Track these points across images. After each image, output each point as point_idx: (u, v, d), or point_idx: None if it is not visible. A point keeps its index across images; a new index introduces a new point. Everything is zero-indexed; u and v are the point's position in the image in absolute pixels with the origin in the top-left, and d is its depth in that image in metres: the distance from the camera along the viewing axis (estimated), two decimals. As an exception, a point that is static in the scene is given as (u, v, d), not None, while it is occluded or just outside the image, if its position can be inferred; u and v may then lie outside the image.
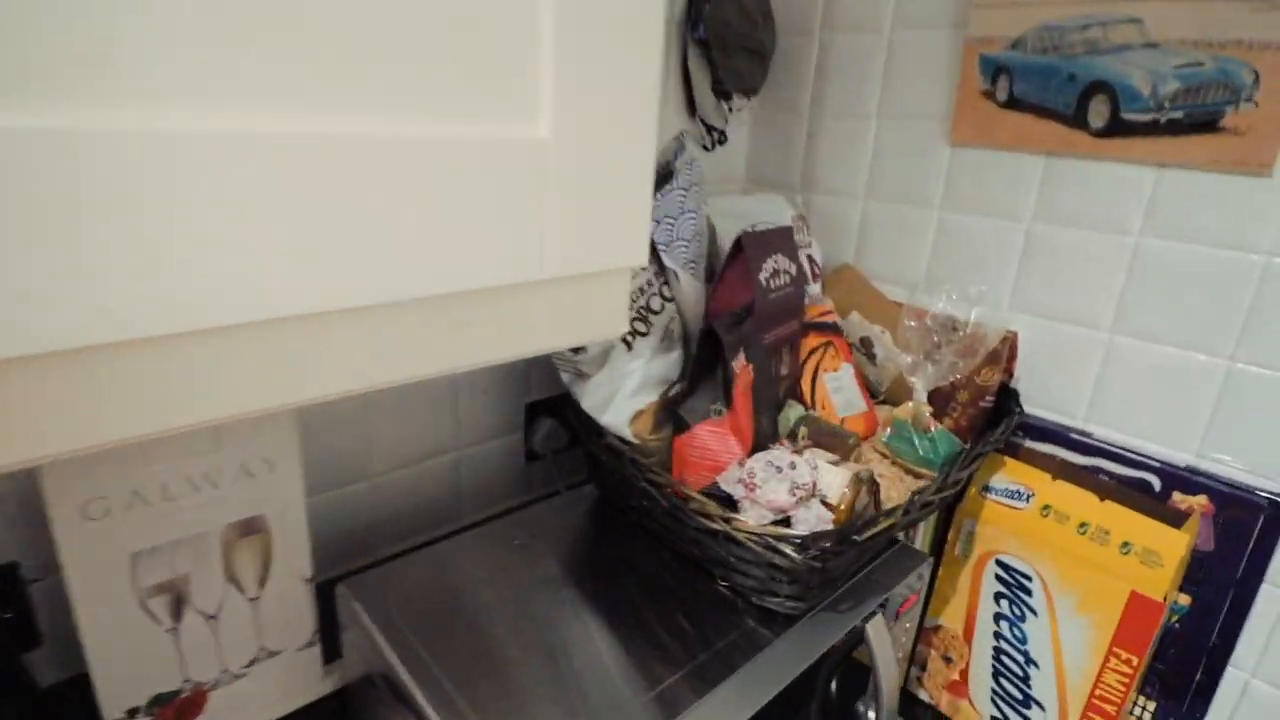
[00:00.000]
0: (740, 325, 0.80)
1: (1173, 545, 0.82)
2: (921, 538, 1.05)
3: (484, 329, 0.65)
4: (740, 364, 0.78)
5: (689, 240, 0.84)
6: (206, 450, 0.68)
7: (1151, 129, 0.88)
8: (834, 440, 0.93)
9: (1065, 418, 1.03)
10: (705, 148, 1.27)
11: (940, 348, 0.97)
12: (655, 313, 0.84)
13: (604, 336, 0.73)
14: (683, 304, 0.87)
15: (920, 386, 0.96)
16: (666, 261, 0.83)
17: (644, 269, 0.83)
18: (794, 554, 0.65)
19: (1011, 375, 1.07)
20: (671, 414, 0.78)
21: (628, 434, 0.82)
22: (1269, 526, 0.86)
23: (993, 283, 1.07)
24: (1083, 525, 0.89)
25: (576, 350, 0.81)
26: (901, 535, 0.97)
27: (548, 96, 0.60)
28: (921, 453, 0.93)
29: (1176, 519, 0.87)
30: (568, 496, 0.99)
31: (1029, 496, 0.94)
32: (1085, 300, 0.98)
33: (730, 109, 1.23)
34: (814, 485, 0.68)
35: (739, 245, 0.86)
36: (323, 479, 0.94)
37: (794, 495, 0.67)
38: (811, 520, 0.68)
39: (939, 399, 1.03)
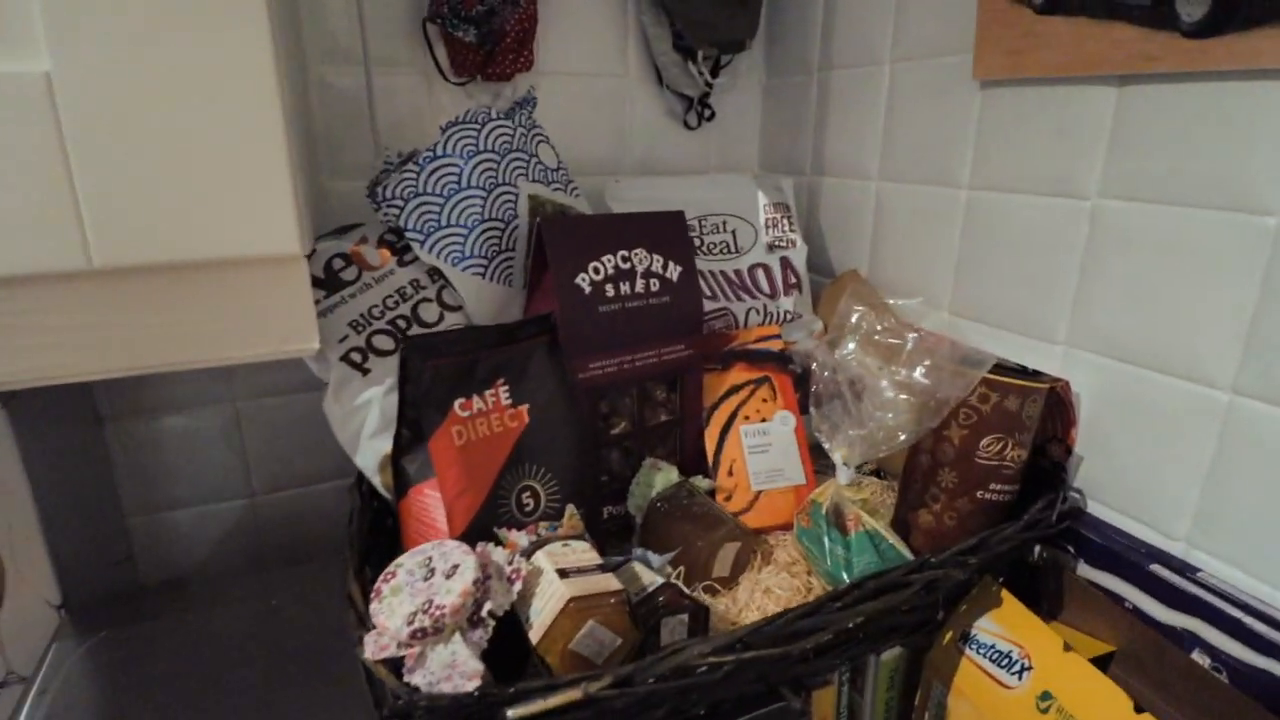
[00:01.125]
0: (481, 347, 0.55)
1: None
2: (873, 688, 0.67)
3: (39, 336, 0.50)
4: (477, 405, 0.54)
5: (469, 230, 0.61)
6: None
7: (1295, 4, 0.46)
8: (694, 528, 0.62)
9: (1152, 531, 0.60)
10: (688, 126, 1.00)
11: (884, 396, 0.61)
12: (427, 325, 0.63)
13: (278, 350, 0.54)
14: (477, 315, 0.64)
15: (839, 456, 0.61)
16: (425, 256, 0.61)
17: (400, 266, 0.62)
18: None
19: (1070, 450, 0.66)
20: (395, 465, 0.56)
21: (378, 485, 0.62)
22: None
23: (1042, 300, 0.66)
24: (1100, 749, 0.48)
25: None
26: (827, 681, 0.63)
27: (37, 9, 0.44)
28: (830, 564, 0.59)
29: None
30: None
31: (1022, 668, 0.54)
32: (1187, 334, 0.55)
33: (706, 73, 0.95)
34: (453, 610, 0.41)
35: (538, 235, 0.61)
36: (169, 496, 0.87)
37: (410, 625, 0.42)
38: (435, 672, 0.41)
39: (916, 479, 0.66)
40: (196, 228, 0.48)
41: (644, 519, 0.66)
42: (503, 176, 0.63)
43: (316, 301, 0.59)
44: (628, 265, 0.64)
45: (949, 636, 0.60)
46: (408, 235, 0.59)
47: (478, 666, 0.41)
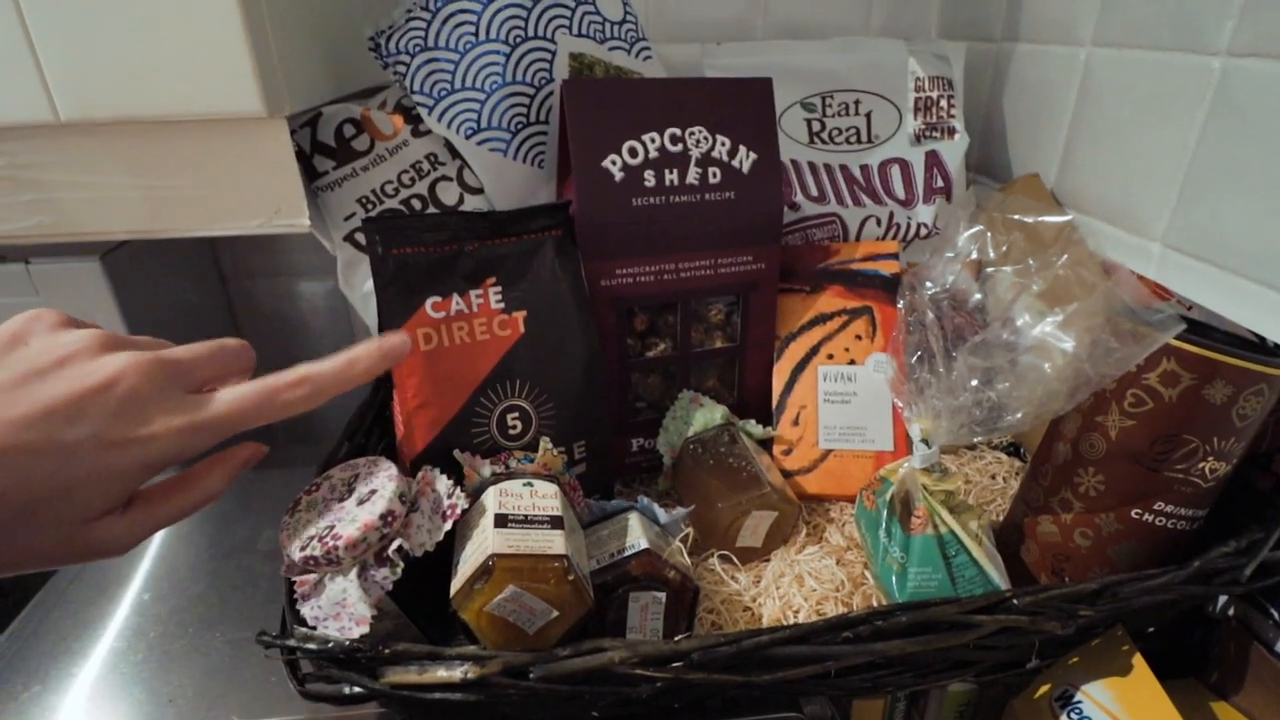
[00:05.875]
0: (468, 237, 0.46)
1: None
2: (936, 716, 0.53)
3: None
4: (456, 306, 0.46)
5: (486, 95, 0.51)
6: (23, 293, 0.70)
7: None
8: (721, 484, 0.50)
9: None
10: (844, -26, 0.78)
11: (995, 359, 0.43)
12: (446, 208, 0.55)
13: (269, 224, 0.50)
14: (498, 200, 0.55)
15: (917, 430, 0.44)
16: (435, 126, 0.51)
17: (415, 137, 0.54)
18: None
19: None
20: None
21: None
22: None
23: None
24: None
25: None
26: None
27: None
28: (880, 566, 0.44)
29: None
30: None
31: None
32: None
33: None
34: (349, 544, 0.34)
35: (560, 102, 0.49)
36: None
37: (302, 550, 0.36)
38: (325, 608, 0.35)
39: (1045, 472, 0.48)
40: (156, 84, 0.44)
41: (676, 462, 0.56)
42: (533, 28, 0.51)
43: (325, 172, 0.53)
44: (678, 148, 0.50)
45: (1043, 690, 0.44)
46: (415, 99, 0.51)
47: (365, 612, 0.35)
